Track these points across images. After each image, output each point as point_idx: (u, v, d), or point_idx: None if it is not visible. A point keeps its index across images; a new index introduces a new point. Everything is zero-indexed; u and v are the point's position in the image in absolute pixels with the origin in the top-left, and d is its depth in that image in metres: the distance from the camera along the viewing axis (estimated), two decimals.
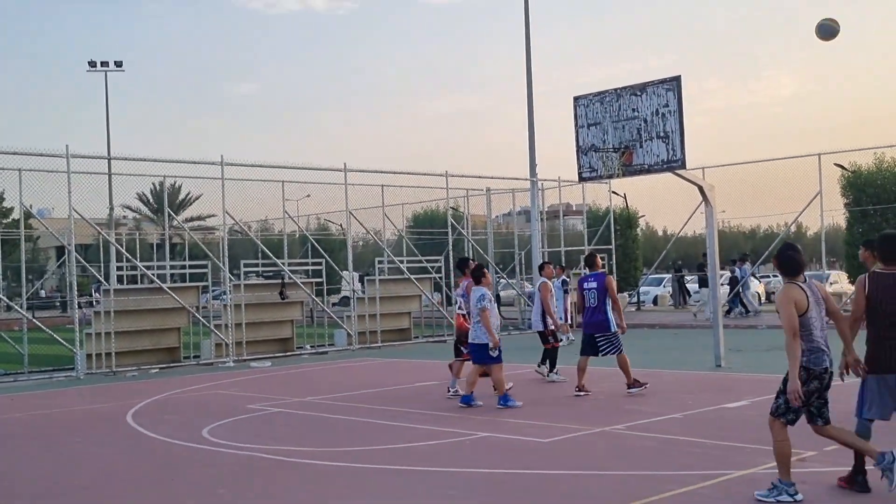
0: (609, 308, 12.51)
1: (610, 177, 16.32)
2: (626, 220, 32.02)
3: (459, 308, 12.83)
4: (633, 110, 14.54)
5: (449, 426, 10.40)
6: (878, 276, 6.82)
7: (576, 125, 15.35)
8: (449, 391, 12.75)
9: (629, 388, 12.25)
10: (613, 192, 29.52)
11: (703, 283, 26.82)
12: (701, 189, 15.36)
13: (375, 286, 23.38)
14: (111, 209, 33.70)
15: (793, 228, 31.36)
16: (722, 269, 22.59)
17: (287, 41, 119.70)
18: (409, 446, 9.34)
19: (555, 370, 14.01)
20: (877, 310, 6.73)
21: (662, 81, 14.33)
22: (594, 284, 12.60)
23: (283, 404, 12.75)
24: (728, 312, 24.88)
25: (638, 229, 34.94)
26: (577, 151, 15.39)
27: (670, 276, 34.38)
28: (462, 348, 12.64)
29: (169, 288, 19.96)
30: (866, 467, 6.71)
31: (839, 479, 6.89)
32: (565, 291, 19.80)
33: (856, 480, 6.76)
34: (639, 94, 14.52)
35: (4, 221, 44.36)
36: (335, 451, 9.35)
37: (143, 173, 24.16)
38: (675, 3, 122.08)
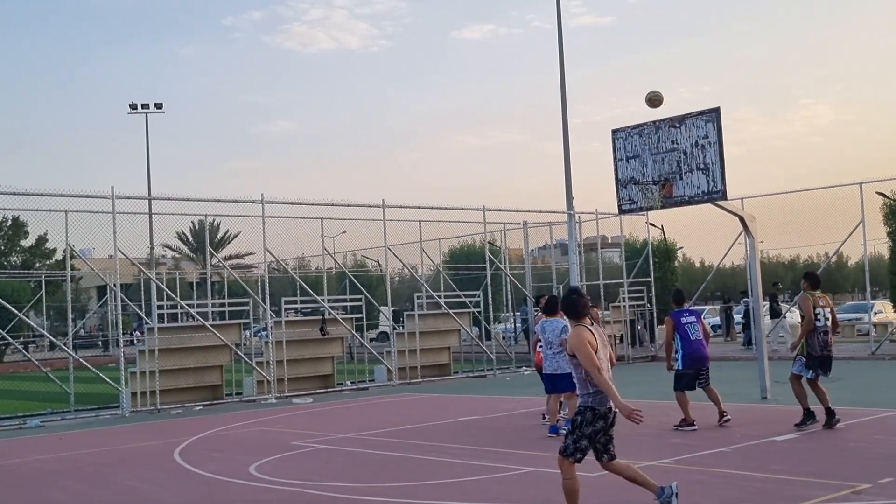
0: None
1: (650, 209, 16.31)
2: (665, 251, 31.84)
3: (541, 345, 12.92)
4: (673, 142, 14.57)
5: (494, 461, 10.38)
6: None
7: (614, 158, 15.39)
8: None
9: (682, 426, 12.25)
10: (651, 224, 29.41)
11: (774, 313, 26.50)
12: (742, 220, 15.29)
13: (415, 321, 23.43)
14: (152, 248, 34.16)
15: (833, 258, 30.99)
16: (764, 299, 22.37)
17: (322, 79, 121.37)
18: (455, 481, 9.33)
19: None
20: None
21: (701, 113, 14.35)
22: (692, 318, 12.56)
23: (327, 440, 12.80)
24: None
25: (676, 261, 34.70)
26: (617, 184, 15.41)
27: (709, 308, 34.07)
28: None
29: (211, 325, 20.16)
30: None
31: None
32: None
33: None
34: (677, 125, 14.55)
35: (48, 263, 45.17)
36: (381, 486, 9.36)
37: (184, 212, 24.51)
38: (709, 34, 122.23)
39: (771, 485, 8.37)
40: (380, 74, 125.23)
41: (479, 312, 25.14)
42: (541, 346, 12.79)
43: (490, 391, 19.54)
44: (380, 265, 28.25)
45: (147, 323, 21.91)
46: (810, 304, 11.87)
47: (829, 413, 11.56)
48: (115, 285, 18.37)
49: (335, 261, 30.17)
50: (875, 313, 28.77)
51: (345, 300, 24.88)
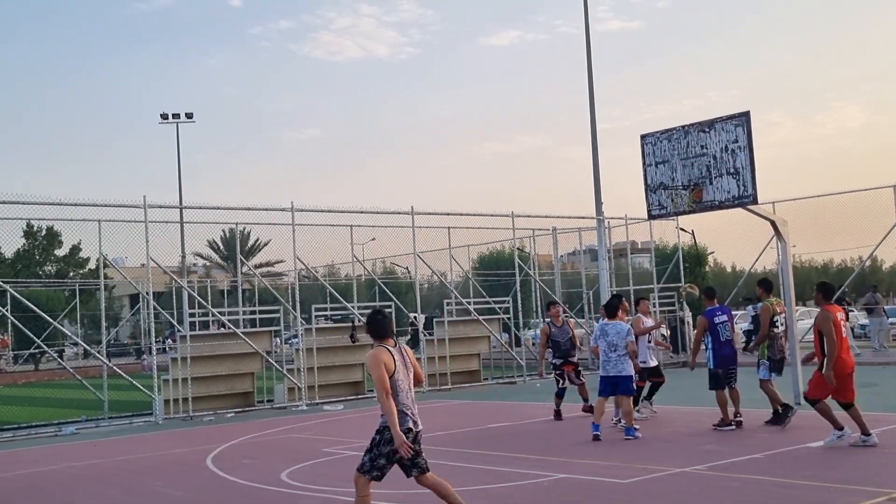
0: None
1: (679, 214, 16.23)
2: (696, 256, 31.63)
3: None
4: (702, 147, 14.49)
5: (525, 468, 10.36)
6: None
7: (643, 163, 15.33)
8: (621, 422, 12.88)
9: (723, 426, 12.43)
10: (681, 229, 29.23)
11: (870, 311, 26.33)
12: (774, 224, 15.17)
13: (444, 328, 23.44)
14: (183, 256, 34.47)
15: (868, 262, 30.62)
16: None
17: (350, 86, 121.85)
18: (487, 488, 9.32)
19: (637, 408, 13.87)
20: None
21: (731, 117, 14.27)
22: (724, 318, 12.70)
23: (358, 447, 12.78)
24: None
25: (707, 266, 34.46)
26: (646, 189, 15.35)
27: (741, 313, 33.72)
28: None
29: (242, 333, 20.31)
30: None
31: None
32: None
33: None
34: (707, 130, 14.47)
35: (81, 272, 45.75)
36: (412, 493, 9.36)
37: (215, 221, 24.69)
38: (737, 37, 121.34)
39: (806, 491, 8.29)
40: (407, 82, 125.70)
41: (508, 319, 25.12)
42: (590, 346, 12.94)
43: (520, 398, 19.51)
44: (409, 272, 28.32)
45: (179, 331, 22.12)
46: (768, 315, 12.51)
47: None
48: (147, 293, 18.56)
49: (364, 268, 30.29)
50: None
51: (374, 307, 24.96)
